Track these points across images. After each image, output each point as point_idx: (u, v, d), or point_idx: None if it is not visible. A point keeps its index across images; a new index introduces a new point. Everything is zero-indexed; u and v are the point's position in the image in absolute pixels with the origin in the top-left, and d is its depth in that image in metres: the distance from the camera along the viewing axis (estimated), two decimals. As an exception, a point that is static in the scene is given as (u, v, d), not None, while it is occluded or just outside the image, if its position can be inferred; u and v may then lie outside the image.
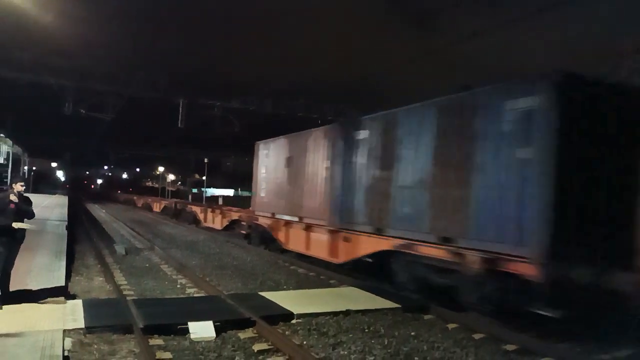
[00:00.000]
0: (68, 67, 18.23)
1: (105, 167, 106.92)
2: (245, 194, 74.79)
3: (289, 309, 6.96)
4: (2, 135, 31.84)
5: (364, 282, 9.44)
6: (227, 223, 18.19)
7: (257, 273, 10.92)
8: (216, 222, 19.58)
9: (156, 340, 5.64)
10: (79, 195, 59.96)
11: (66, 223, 17.23)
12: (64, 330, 5.50)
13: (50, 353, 4.78)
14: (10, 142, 33.09)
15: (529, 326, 6.53)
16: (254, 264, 12.23)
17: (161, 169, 69.10)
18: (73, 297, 7.37)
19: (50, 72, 17.96)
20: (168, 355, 5.26)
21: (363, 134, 10.01)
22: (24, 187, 6.93)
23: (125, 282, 9.23)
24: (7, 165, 32.99)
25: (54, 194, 49.48)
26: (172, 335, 5.86)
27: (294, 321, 6.69)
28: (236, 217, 17.32)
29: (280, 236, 13.17)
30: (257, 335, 6.09)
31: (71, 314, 6.10)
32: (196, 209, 23.88)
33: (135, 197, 50.16)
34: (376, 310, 7.34)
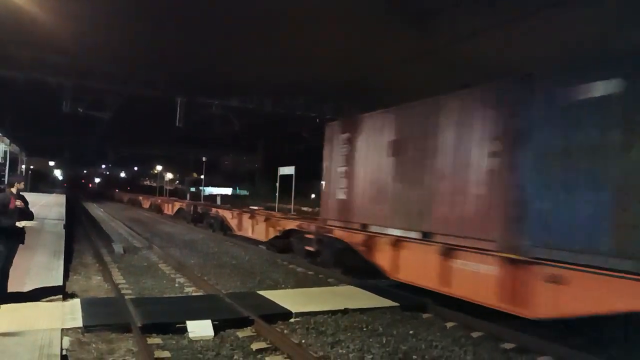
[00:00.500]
0: (66, 65, 18.19)
1: (103, 166, 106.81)
2: (243, 192, 74.93)
3: (287, 307, 6.97)
4: (-1, 134, 31.77)
5: (363, 280, 9.44)
6: (278, 234, 13.59)
7: (255, 272, 10.92)
8: (258, 231, 15.00)
9: (154, 339, 5.63)
10: (77, 194, 59.85)
11: (64, 222, 17.20)
12: (62, 329, 5.50)
13: (48, 352, 4.77)
14: (8, 141, 33.00)
15: (528, 325, 6.54)
16: (252, 263, 12.23)
17: (159, 167, 69.05)
18: (71, 296, 7.36)
19: (48, 70, 17.92)
20: (166, 354, 5.25)
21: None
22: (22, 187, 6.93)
23: (124, 281, 9.22)
24: (4, 165, 32.91)
25: (52, 193, 49.42)
26: (170, 334, 5.85)
27: (292, 320, 6.70)
28: (293, 227, 12.70)
29: (382, 260, 8.84)
30: (255, 334, 6.09)
31: (69, 313, 6.10)
32: (225, 213, 19.11)
33: (141, 197, 44.95)
34: (375, 308, 7.35)
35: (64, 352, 4.99)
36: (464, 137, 7.60)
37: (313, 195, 50.82)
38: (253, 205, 29.57)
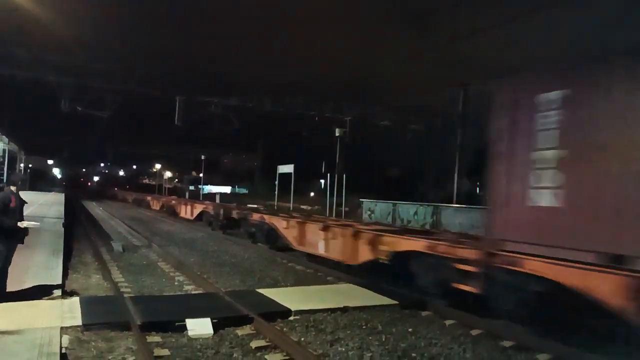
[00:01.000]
0: (65, 64, 18.18)
1: (102, 165, 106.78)
2: (242, 191, 74.98)
3: (286, 305, 6.97)
4: (-2, 132, 31.69)
5: (362, 279, 9.45)
6: (390, 255, 8.62)
7: (255, 270, 10.92)
8: (336, 249, 10.44)
9: (154, 337, 5.63)
10: (76, 193, 59.79)
11: (63, 221, 17.19)
12: (62, 328, 5.49)
13: (48, 350, 4.77)
14: (6, 140, 32.96)
15: (527, 323, 6.54)
16: (252, 261, 12.23)
17: (158, 166, 69.03)
18: (70, 294, 7.38)
19: (47, 69, 17.90)
20: (166, 352, 5.26)
21: None
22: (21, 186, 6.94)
23: (123, 280, 9.22)
24: (3, 163, 32.86)
25: (51, 191, 49.37)
26: (169, 332, 5.85)
27: (291, 318, 6.70)
28: (417, 249, 7.94)
29: None
30: (255, 332, 6.09)
31: (69, 312, 6.09)
32: (276, 221, 13.67)
33: (149, 197, 39.65)
34: (374, 306, 7.35)
35: (64, 351, 4.99)
36: None
37: (312, 194, 50.89)
38: (252, 204, 29.58)
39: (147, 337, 5.57)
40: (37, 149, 53.16)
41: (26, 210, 7.02)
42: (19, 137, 38.47)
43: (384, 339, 6.03)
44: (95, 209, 34.86)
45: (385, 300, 7.66)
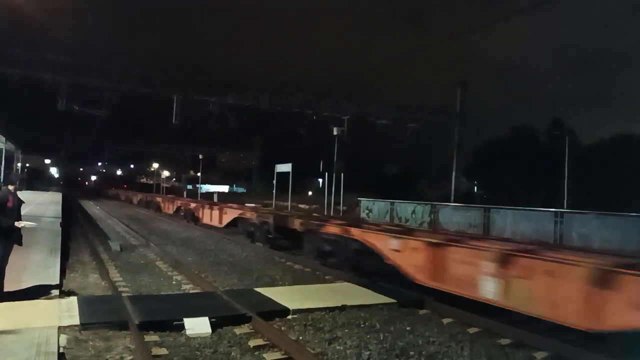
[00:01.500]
0: (62, 63, 18.14)
1: (100, 164, 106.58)
2: (240, 190, 75.01)
3: (284, 304, 6.97)
4: (-5, 131, 31.57)
5: (360, 277, 9.45)
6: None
7: (253, 269, 10.92)
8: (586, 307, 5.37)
9: (152, 337, 5.63)
10: (73, 192, 59.66)
11: (60, 220, 17.15)
12: (60, 327, 5.49)
13: (45, 349, 4.76)
14: (3, 139, 32.86)
15: (524, 321, 6.56)
16: (249, 260, 12.23)
17: (156, 165, 68.96)
18: (68, 293, 7.36)
19: (44, 67, 17.86)
20: (164, 351, 5.26)
21: None
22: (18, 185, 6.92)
23: (121, 279, 9.21)
24: (0, 163, 32.75)
25: (48, 190, 49.26)
26: (167, 332, 5.85)
27: (289, 317, 6.70)
28: None
29: None
30: (253, 331, 6.09)
31: (66, 311, 6.08)
32: (381, 241, 8.98)
33: (159, 199, 33.99)
34: (372, 305, 7.36)
35: (61, 350, 4.98)
36: None
37: (310, 193, 50.95)
38: (249, 203, 29.59)
39: (145, 336, 5.57)
40: (35, 148, 53.08)
41: (23, 210, 7.00)
42: (16, 136, 38.39)
43: (382, 338, 6.04)
44: (93, 208, 34.79)
45: (383, 299, 7.67)
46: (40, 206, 23.44)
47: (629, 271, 5.13)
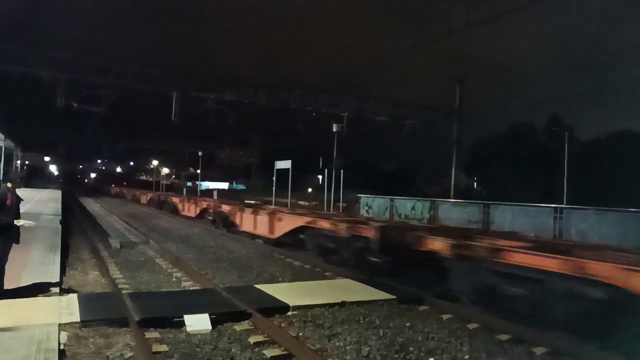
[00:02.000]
0: (61, 60, 18.10)
1: (99, 161, 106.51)
2: (240, 187, 75.04)
3: (284, 301, 6.99)
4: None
5: (359, 274, 9.47)
6: None
7: (252, 266, 10.94)
8: None
9: (152, 333, 5.65)
10: (72, 190, 59.60)
11: (60, 217, 17.15)
12: (60, 324, 5.50)
13: (46, 346, 4.78)
14: (2, 136, 32.83)
15: (523, 316, 6.59)
16: (249, 257, 12.25)
17: (155, 162, 68.93)
18: (68, 291, 7.37)
19: (43, 64, 17.83)
20: (164, 347, 5.27)
21: None
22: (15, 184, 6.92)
23: (121, 276, 9.21)
24: (-1, 160, 32.71)
25: (48, 188, 49.22)
26: (168, 328, 5.86)
27: (289, 313, 6.72)
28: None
29: None
30: (253, 327, 6.11)
31: (66, 308, 6.10)
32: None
33: (176, 199, 27.29)
34: (371, 301, 7.37)
35: (62, 347, 5.00)
36: None
37: (310, 190, 50.98)
38: (249, 200, 29.60)
39: (145, 333, 5.58)
40: (34, 145, 52.99)
41: (23, 207, 7.01)
42: (15, 133, 38.36)
43: (381, 334, 6.06)
44: (92, 205, 34.78)
45: (383, 295, 7.69)
46: (39, 204, 23.43)
47: None
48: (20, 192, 6.97)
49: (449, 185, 27.66)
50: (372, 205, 24.04)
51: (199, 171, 56.55)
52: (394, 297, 7.60)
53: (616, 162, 31.84)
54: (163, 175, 68.58)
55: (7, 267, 6.56)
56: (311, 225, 11.83)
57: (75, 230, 16.54)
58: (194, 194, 43.94)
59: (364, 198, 25.11)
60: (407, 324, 6.50)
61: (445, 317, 6.94)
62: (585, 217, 14.15)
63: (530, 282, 6.32)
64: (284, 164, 25.14)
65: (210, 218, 19.99)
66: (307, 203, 35.99)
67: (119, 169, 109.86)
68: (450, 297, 7.51)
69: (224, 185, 77.89)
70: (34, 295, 6.68)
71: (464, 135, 29.60)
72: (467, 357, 5.44)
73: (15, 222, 6.36)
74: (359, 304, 7.21)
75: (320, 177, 38.90)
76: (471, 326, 6.52)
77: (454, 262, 7.31)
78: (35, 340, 4.92)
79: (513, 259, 6.47)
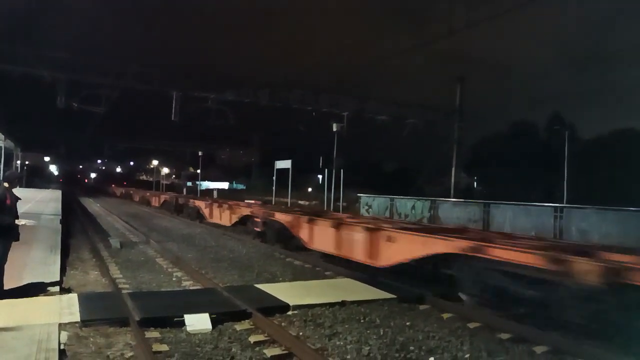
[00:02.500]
0: (61, 60, 18.10)
1: (99, 161, 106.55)
2: (240, 186, 75.03)
3: (285, 300, 6.99)
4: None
5: (359, 273, 9.47)
6: None
7: (253, 265, 10.94)
8: None
9: (152, 333, 5.65)
10: (72, 190, 59.61)
11: (60, 217, 17.16)
12: (60, 324, 5.50)
13: (46, 346, 4.78)
14: (2, 136, 32.85)
15: (523, 315, 6.59)
16: (250, 257, 12.24)
17: (155, 162, 68.94)
18: (68, 290, 7.38)
19: (43, 64, 17.82)
20: (165, 347, 5.27)
21: None
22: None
23: (121, 276, 9.21)
24: (-1, 160, 32.73)
25: (48, 188, 49.26)
26: (168, 328, 5.86)
27: (290, 313, 6.72)
28: None
29: None
30: (253, 327, 6.11)
31: (67, 308, 6.10)
32: None
33: (201, 203, 21.45)
34: (372, 301, 7.37)
35: (62, 347, 5.00)
36: None
37: (310, 189, 50.99)
38: (249, 199, 29.57)
39: (145, 332, 5.58)
40: (34, 145, 53.00)
41: (23, 207, 7.01)
42: (15, 133, 38.38)
43: (382, 333, 6.05)
44: (93, 205, 34.79)
45: (383, 295, 7.68)
46: (40, 203, 23.44)
47: None
48: (21, 192, 6.98)
49: (450, 184, 27.64)
50: (372, 204, 24.04)
51: (199, 171, 56.56)
52: (395, 296, 7.60)
53: (617, 161, 31.84)
54: (163, 175, 68.61)
55: (7, 267, 6.56)
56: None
57: (76, 230, 16.53)
58: (194, 193, 43.92)
59: (364, 197, 25.10)
60: (408, 323, 6.50)
61: (445, 316, 6.93)
62: (586, 216, 14.15)
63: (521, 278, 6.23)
64: (284, 164, 25.15)
65: (258, 229, 14.68)
66: (307, 202, 35.99)
67: (119, 169, 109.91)
68: (451, 297, 7.50)
69: (224, 185, 77.93)
70: (35, 295, 6.68)
71: (464, 134, 29.61)
72: (467, 356, 5.44)
73: (17, 221, 6.38)
74: (359, 303, 7.21)
75: (320, 176, 38.90)
76: (472, 325, 6.51)
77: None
78: (35, 340, 4.91)
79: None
